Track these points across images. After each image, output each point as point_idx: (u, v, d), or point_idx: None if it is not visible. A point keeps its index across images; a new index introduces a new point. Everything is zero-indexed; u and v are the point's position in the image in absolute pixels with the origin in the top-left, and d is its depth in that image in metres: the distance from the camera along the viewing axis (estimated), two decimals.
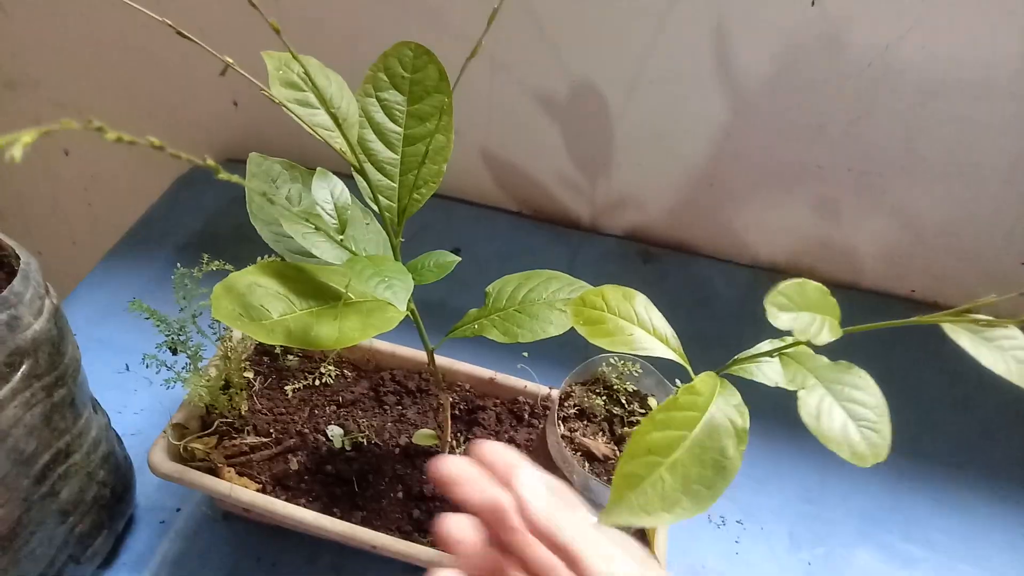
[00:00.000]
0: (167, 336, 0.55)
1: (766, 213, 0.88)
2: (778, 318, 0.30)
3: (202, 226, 0.89)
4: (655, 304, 0.84)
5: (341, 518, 0.54)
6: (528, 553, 0.32)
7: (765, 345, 0.40)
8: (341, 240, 0.37)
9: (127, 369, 0.72)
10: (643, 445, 0.33)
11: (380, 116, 0.42)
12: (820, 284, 0.32)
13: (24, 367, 0.44)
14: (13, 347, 0.42)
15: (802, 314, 0.31)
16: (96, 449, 0.53)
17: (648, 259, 0.92)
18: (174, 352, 0.55)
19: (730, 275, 0.92)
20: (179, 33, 0.33)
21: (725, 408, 0.36)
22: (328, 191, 0.36)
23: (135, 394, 0.71)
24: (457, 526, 0.35)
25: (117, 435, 0.60)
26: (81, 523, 0.54)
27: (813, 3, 0.69)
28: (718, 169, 0.85)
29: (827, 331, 0.30)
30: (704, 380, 0.36)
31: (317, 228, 0.37)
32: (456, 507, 0.36)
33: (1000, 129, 0.73)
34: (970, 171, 0.77)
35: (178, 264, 0.57)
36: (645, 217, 0.93)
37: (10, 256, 0.47)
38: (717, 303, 0.88)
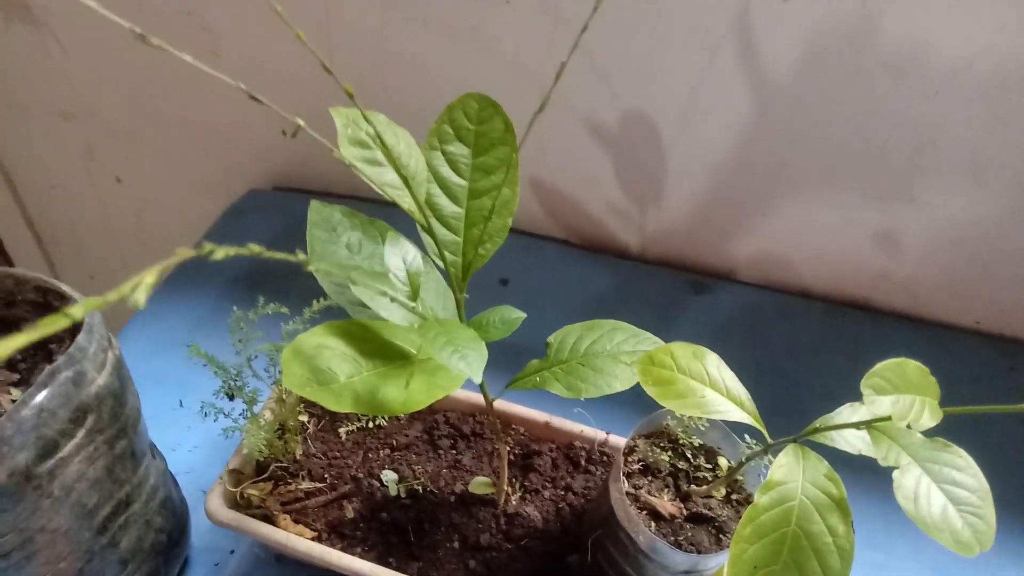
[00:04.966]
0: (224, 383, 0.55)
1: (821, 243, 0.86)
2: (876, 402, 0.29)
3: (253, 258, 0.89)
4: (705, 332, 0.82)
5: (397, 568, 0.53)
6: None
7: (846, 411, 0.38)
8: (414, 308, 0.36)
9: (181, 405, 0.72)
10: (746, 564, 0.31)
11: (445, 170, 0.41)
12: (919, 364, 0.30)
13: (88, 422, 0.44)
14: (78, 403, 0.42)
15: (902, 397, 0.29)
16: (155, 496, 0.53)
17: (699, 289, 0.90)
18: (231, 398, 0.55)
19: (783, 305, 0.89)
20: (252, 97, 0.33)
21: (816, 480, 0.35)
22: (400, 258, 0.36)
23: (189, 431, 0.71)
24: None
25: (173, 478, 0.60)
26: (139, 570, 0.53)
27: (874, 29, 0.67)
28: (772, 199, 0.83)
29: (928, 415, 0.28)
30: (784, 461, 0.34)
31: (391, 299, 0.36)
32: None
33: None
34: None
35: (234, 307, 0.57)
36: (696, 247, 0.91)
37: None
38: (771, 334, 0.86)
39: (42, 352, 0.49)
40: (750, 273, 0.92)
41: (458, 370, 0.32)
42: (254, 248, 0.24)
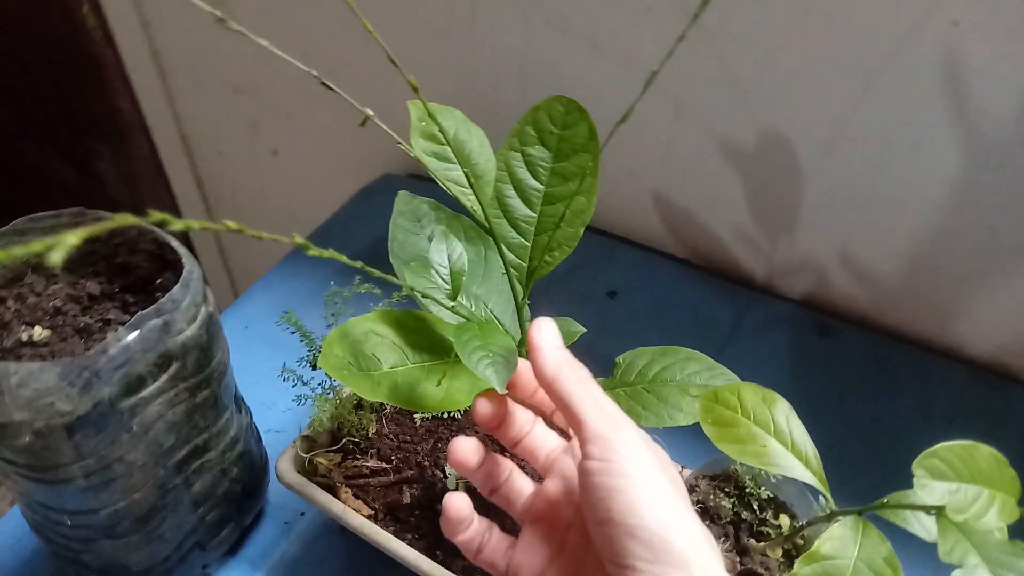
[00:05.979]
0: (309, 352, 0.57)
1: (975, 302, 0.76)
2: (928, 487, 0.24)
3: (375, 239, 0.93)
4: (823, 379, 0.76)
5: (442, 562, 0.53)
6: None
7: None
8: (452, 307, 0.36)
9: (285, 367, 0.77)
10: None
11: (522, 172, 0.40)
12: (995, 452, 0.26)
13: (172, 368, 0.47)
14: (163, 350, 0.46)
15: (965, 487, 0.24)
16: (233, 448, 0.57)
17: (825, 331, 0.83)
18: (314, 368, 0.58)
19: (919, 362, 0.80)
20: (323, 84, 0.33)
21: (872, 562, 0.31)
22: (446, 254, 0.35)
23: (287, 392, 0.74)
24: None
25: (258, 434, 0.63)
26: (211, 514, 0.57)
27: None
28: (922, 245, 0.75)
29: (995, 513, 0.24)
30: (839, 534, 0.30)
31: (423, 296, 0.36)
32: None
33: None
34: None
35: (332, 282, 0.60)
36: (828, 285, 0.84)
37: (180, 261, 0.51)
38: (900, 392, 0.77)
39: (152, 299, 0.53)
40: (886, 321, 0.83)
41: (484, 377, 0.31)
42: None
